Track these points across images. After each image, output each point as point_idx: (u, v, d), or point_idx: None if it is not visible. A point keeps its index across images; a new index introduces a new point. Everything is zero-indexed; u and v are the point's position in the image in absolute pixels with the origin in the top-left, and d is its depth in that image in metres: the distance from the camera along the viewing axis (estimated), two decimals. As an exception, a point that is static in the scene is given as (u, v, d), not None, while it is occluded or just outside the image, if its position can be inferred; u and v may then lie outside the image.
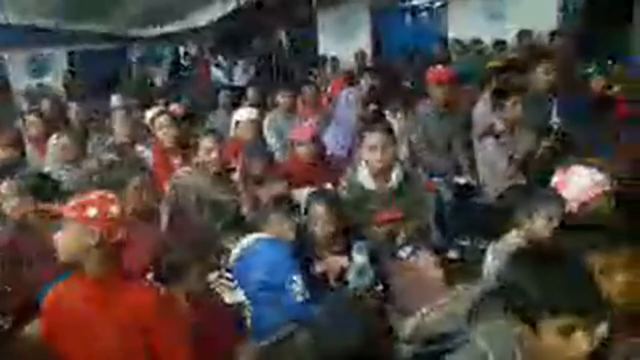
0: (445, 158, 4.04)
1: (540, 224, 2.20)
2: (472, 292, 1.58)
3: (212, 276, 2.61)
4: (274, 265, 2.28)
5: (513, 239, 2.31)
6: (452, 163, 4.02)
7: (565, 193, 2.30)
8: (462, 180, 3.91)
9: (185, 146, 3.25)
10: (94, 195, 1.74)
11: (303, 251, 2.59)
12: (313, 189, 2.87)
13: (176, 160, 3.24)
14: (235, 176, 2.86)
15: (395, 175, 2.82)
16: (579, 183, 2.32)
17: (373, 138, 2.74)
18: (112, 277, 1.72)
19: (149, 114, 3.93)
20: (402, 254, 2.91)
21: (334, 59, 8.50)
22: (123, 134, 3.78)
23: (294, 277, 2.24)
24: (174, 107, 4.81)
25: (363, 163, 2.86)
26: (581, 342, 1.21)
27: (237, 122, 3.87)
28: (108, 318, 1.69)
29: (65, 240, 1.69)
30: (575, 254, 1.33)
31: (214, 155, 2.77)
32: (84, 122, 4.88)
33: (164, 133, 3.31)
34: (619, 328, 1.66)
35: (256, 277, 2.30)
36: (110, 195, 1.77)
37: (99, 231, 1.66)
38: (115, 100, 6.40)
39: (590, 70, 4.78)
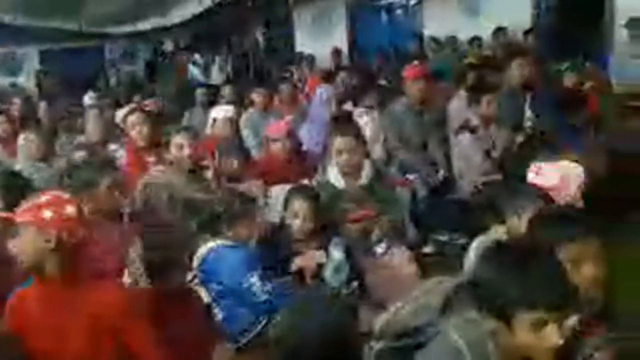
0: (420, 155, 4.07)
1: (516, 219, 2.21)
2: (445, 285, 1.58)
3: (188, 277, 2.59)
4: (233, 270, 2.23)
5: (498, 235, 2.31)
6: (427, 160, 4.05)
7: (564, 192, 2.31)
8: (439, 177, 3.93)
9: (159, 144, 3.19)
10: (48, 196, 1.67)
11: (279, 249, 2.58)
12: (290, 186, 2.85)
13: (150, 159, 3.17)
14: (209, 174, 2.82)
15: (365, 174, 2.84)
16: (553, 174, 2.35)
17: (339, 142, 2.79)
18: (74, 278, 1.67)
19: (121, 112, 3.86)
20: (377, 250, 2.92)
21: (310, 56, 8.49)
22: (95, 132, 3.72)
23: (252, 277, 2.19)
24: (147, 103, 4.74)
25: (333, 162, 2.88)
26: (552, 335, 1.22)
27: (215, 120, 3.85)
28: (73, 320, 1.64)
29: (22, 245, 1.62)
30: (549, 248, 1.33)
31: (186, 151, 2.73)
32: (54, 121, 4.79)
33: (137, 131, 3.24)
34: (588, 320, 1.69)
35: (218, 284, 2.27)
36: (66, 196, 1.70)
37: (56, 233, 1.59)
38: (87, 98, 6.29)
39: (562, 67, 4.85)
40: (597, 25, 6.58)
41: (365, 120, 4.17)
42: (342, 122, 3.79)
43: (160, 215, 2.64)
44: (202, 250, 2.34)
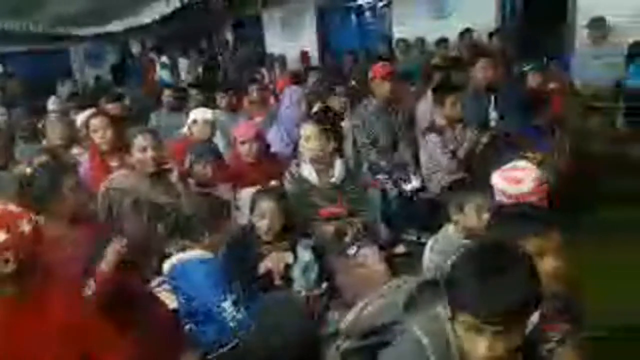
0: (390, 155, 4.09)
1: (471, 216, 2.26)
2: (410, 283, 1.60)
3: (155, 282, 2.54)
4: (205, 289, 2.14)
5: (448, 232, 2.36)
6: (397, 160, 4.08)
7: (518, 189, 2.34)
8: (409, 187, 3.97)
9: (122, 148, 3.12)
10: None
11: (247, 252, 2.56)
12: (258, 188, 2.84)
13: (113, 163, 3.11)
14: (174, 176, 2.77)
15: (337, 171, 2.85)
16: (531, 180, 2.38)
17: (307, 129, 2.83)
18: (35, 295, 1.61)
19: (82, 116, 3.77)
20: (348, 251, 2.93)
21: (281, 57, 8.48)
22: (56, 136, 3.62)
23: (225, 302, 2.09)
24: (111, 107, 4.65)
25: (306, 159, 2.90)
26: (480, 344, 1.23)
27: (195, 121, 3.80)
28: (37, 339, 1.59)
29: None
30: (518, 257, 1.31)
31: (149, 154, 2.68)
32: (13, 127, 4.66)
33: (100, 136, 3.17)
34: (550, 314, 1.72)
35: (187, 299, 2.20)
36: (17, 210, 1.61)
37: (13, 256, 1.50)
38: (51, 103, 6.13)
39: (526, 68, 4.95)
40: (561, 27, 6.74)
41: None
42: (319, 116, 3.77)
43: (121, 221, 2.59)
44: (173, 261, 2.26)
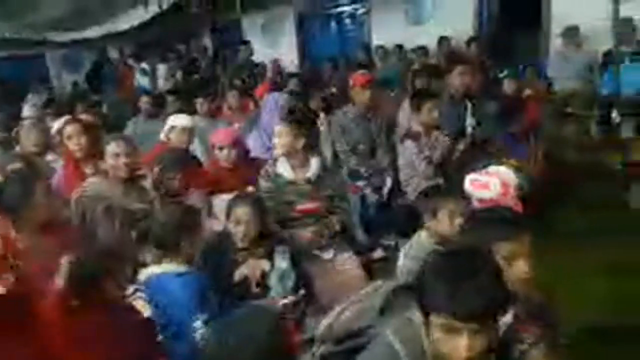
0: (368, 162, 4.12)
1: (444, 222, 2.28)
2: (386, 288, 1.61)
3: (130, 290, 2.50)
4: (178, 306, 2.10)
5: (421, 238, 2.38)
6: (375, 166, 4.10)
7: (485, 194, 2.38)
8: (385, 190, 4.01)
9: (96, 155, 3.08)
10: None
11: (223, 259, 2.54)
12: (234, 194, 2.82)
13: (88, 170, 3.08)
14: (147, 182, 2.74)
15: (313, 167, 2.89)
16: (497, 185, 2.42)
17: (278, 126, 2.89)
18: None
19: (57, 123, 3.71)
20: (325, 256, 2.93)
21: (261, 64, 8.48)
22: (31, 143, 3.56)
23: (197, 321, 2.06)
24: (85, 115, 4.59)
25: (279, 155, 2.94)
26: (460, 346, 1.24)
27: (172, 128, 3.77)
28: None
29: None
30: (483, 260, 1.33)
31: (122, 160, 2.65)
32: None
33: (74, 143, 3.14)
34: (522, 316, 1.74)
35: (160, 314, 2.15)
36: None
37: None
38: (27, 109, 6.04)
39: (502, 75, 5.03)
40: (536, 34, 6.87)
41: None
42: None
43: (94, 227, 2.55)
44: (149, 273, 2.23)
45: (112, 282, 1.93)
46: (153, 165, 2.91)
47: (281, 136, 2.86)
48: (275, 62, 8.51)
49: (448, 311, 1.22)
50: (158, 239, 2.26)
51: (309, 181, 2.91)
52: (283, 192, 2.89)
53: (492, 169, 2.59)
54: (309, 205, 2.89)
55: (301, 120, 2.97)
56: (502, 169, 2.62)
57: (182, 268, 2.20)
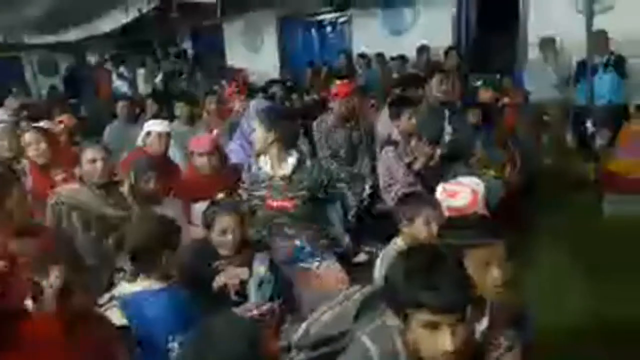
0: (350, 167, 4.15)
1: (420, 228, 2.31)
2: (361, 293, 1.62)
3: (105, 298, 2.46)
4: (154, 325, 2.03)
5: (398, 244, 2.40)
6: (356, 172, 4.13)
7: (455, 202, 2.43)
8: (364, 194, 4.03)
9: (68, 161, 3.05)
10: None
11: (202, 268, 2.52)
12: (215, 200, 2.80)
13: (59, 176, 3.04)
14: (124, 189, 2.71)
15: (290, 164, 2.89)
16: (467, 194, 2.47)
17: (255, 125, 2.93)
18: None
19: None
20: (308, 264, 2.92)
21: (241, 70, 8.48)
22: (5, 148, 3.50)
23: (173, 342, 2.00)
24: (62, 118, 4.52)
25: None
26: (443, 339, 1.26)
27: (148, 134, 3.73)
28: None
29: None
30: (449, 254, 1.38)
31: (99, 165, 2.62)
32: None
33: (34, 149, 3.13)
34: (496, 322, 1.77)
35: (135, 331, 2.04)
36: None
37: None
38: (1, 113, 5.93)
39: (478, 83, 5.11)
40: (513, 45, 7.01)
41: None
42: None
43: (67, 235, 2.51)
44: (122, 291, 2.13)
45: (82, 293, 1.85)
46: (129, 171, 2.88)
47: (254, 132, 2.92)
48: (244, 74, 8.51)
49: (429, 304, 1.24)
50: (133, 253, 2.15)
51: (284, 177, 2.89)
52: (260, 186, 2.91)
53: (462, 178, 2.66)
54: (279, 203, 2.87)
55: (274, 118, 2.96)
56: (472, 178, 2.68)
57: (158, 285, 2.11)
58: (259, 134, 2.90)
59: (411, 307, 1.28)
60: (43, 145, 3.14)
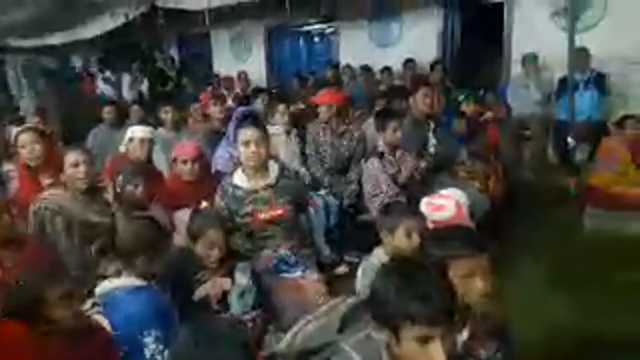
0: (337, 176, 4.17)
1: (400, 240, 2.31)
2: (344, 304, 1.62)
3: (88, 303, 2.43)
4: (130, 322, 2.02)
5: (379, 255, 2.41)
6: (344, 180, 4.15)
7: (441, 216, 2.45)
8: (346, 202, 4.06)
9: (55, 165, 2.98)
10: None
11: (184, 277, 2.50)
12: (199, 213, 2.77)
13: (47, 180, 2.98)
14: (109, 194, 2.68)
15: (272, 173, 2.84)
16: (452, 207, 2.50)
17: (245, 133, 2.76)
18: None
19: (14, 131, 3.60)
20: (290, 274, 2.91)
21: (228, 78, 8.48)
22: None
23: (148, 337, 1.99)
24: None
25: (239, 170, 2.87)
26: (435, 352, 1.27)
27: (131, 139, 3.70)
28: None
29: None
30: (434, 267, 1.40)
31: (81, 169, 2.58)
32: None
33: (28, 151, 3.03)
34: (479, 334, 1.79)
35: (113, 329, 2.03)
36: None
37: None
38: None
39: (461, 97, 5.18)
40: (497, 60, 7.12)
41: (281, 140, 4.21)
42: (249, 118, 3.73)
43: (54, 240, 2.47)
44: (104, 287, 2.14)
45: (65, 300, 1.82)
46: (113, 177, 2.86)
47: (248, 146, 2.76)
48: (242, 75, 8.51)
49: (422, 318, 1.25)
50: (117, 250, 2.18)
51: (268, 186, 2.83)
52: (243, 203, 2.81)
53: (446, 191, 2.68)
54: (271, 213, 2.80)
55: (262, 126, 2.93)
56: (455, 190, 2.70)
57: (137, 282, 2.13)
58: (258, 146, 2.75)
59: (402, 321, 1.28)
60: (37, 147, 3.05)
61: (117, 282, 2.13)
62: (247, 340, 1.46)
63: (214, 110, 4.80)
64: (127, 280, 2.13)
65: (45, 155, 3.02)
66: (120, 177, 2.87)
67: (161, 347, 1.99)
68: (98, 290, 2.15)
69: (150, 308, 2.06)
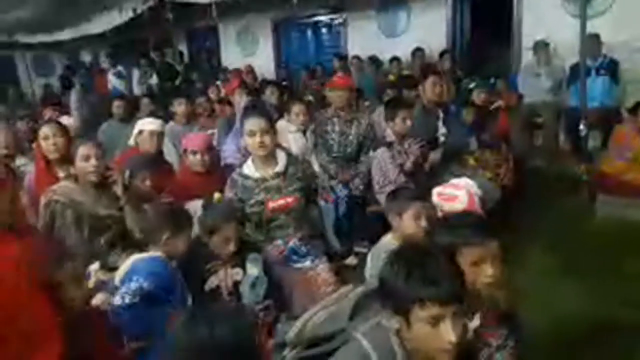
0: (346, 164, 4.15)
1: (408, 224, 2.31)
2: (355, 292, 1.62)
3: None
4: (156, 277, 2.13)
5: (388, 241, 2.40)
6: (353, 173, 4.14)
7: (454, 206, 2.43)
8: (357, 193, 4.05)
9: (70, 159, 3.02)
10: None
11: (197, 267, 2.52)
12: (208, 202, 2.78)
13: (61, 173, 3.01)
14: (118, 188, 2.69)
15: (280, 161, 2.83)
16: (465, 197, 2.48)
17: (251, 123, 2.75)
18: None
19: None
20: (300, 264, 2.92)
21: (237, 71, 8.48)
22: (1, 145, 3.48)
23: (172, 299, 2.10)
24: (63, 118, 4.51)
25: (248, 160, 2.87)
26: (447, 332, 1.28)
27: (140, 132, 3.70)
28: None
29: None
30: (442, 251, 1.40)
31: (92, 162, 2.60)
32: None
33: (50, 143, 3.06)
34: (489, 320, 1.78)
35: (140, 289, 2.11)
36: None
37: None
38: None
39: (471, 86, 5.14)
40: (507, 47, 7.05)
41: (295, 137, 4.19)
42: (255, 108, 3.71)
43: (64, 232, 2.50)
44: (131, 260, 2.25)
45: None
46: (123, 170, 2.87)
47: (254, 135, 2.73)
48: (249, 68, 8.51)
49: (431, 297, 1.26)
50: (141, 235, 2.32)
51: (277, 175, 2.81)
52: (253, 192, 2.80)
53: (457, 180, 2.65)
54: (281, 202, 2.79)
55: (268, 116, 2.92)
56: (467, 180, 2.68)
57: (162, 256, 2.26)
58: (263, 135, 2.73)
59: (412, 304, 1.29)
60: (60, 140, 3.09)
61: (144, 255, 2.25)
62: (249, 322, 1.48)
63: (238, 99, 4.79)
64: (153, 253, 2.26)
65: (65, 149, 3.05)
66: (127, 171, 2.88)
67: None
68: (119, 270, 2.21)
69: (172, 278, 2.17)
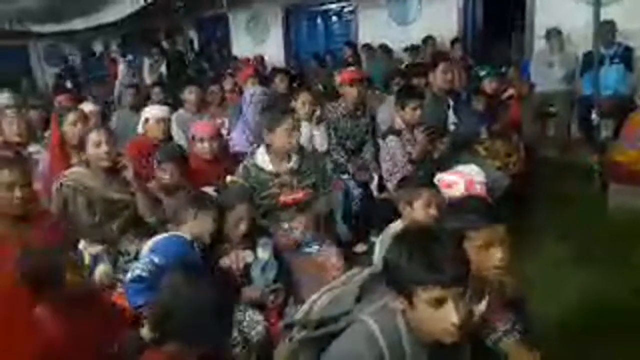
0: (355, 157, 4.15)
1: (419, 212, 2.31)
2: (362, 275, 1.64)
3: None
4: (179, 254, 2.19)
5: (396, 227, 2.40)
6: (360, 162, 4.13)
7: (450, 193, 2.45)
8: (373, 185, 4.05)
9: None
10: None
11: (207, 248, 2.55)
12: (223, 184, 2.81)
13: (76, 160, 3.06)
14: (128, 174, 2.72)
15: (294, 156, 2.88)
16: (461, 185, 2.49)
17: (287, 123, 2.81)
18: None
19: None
20: (308, 249, 2.94)
21: (247, 59, 8.49)
22: (14, 133, 3.52)
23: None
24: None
25: (262, 148, 2.90)
26: (450, 314, 1.28)
27: (147, 120, 3.72)
28: None
29: None
30: (447, 233, 1.40)
31: (103, 148, 2.63)
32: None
33: (72, 130, 3.13)
34: (496, 304, 1.79)
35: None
36: None
37: None
38: (3, 98, 5.95)
39: (482, 74, 5.09)
40: (519, 36, 6.97)
41: (316, 133, 4.19)
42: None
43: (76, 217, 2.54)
44: (149, 243, 2.29)
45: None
46: (133, 157, 2.90)
47: (289, 134, 2.82)
48: (259, 57, 8.51)
49: (435, 279, 1.27)
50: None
51: (291, 171, 2.88)
52: (266, 186, 2.86)
53: (461, 167, 2.65)
54: (293, 196, 2.86)
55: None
56: (472, 168, 2.68)
57: (186, 236, 2.30)
58: (292, 135, 2.84)
59: (415, 286, 1.29)
60: (80, 126, 3.14)
61: (167, 234, 2.31)
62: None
63: (250, 88, 4.78)
64: (176, 233, 2.32)
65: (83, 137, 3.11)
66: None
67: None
68: (144, 251, 2.26)
69: (194, 256, 2.21)
